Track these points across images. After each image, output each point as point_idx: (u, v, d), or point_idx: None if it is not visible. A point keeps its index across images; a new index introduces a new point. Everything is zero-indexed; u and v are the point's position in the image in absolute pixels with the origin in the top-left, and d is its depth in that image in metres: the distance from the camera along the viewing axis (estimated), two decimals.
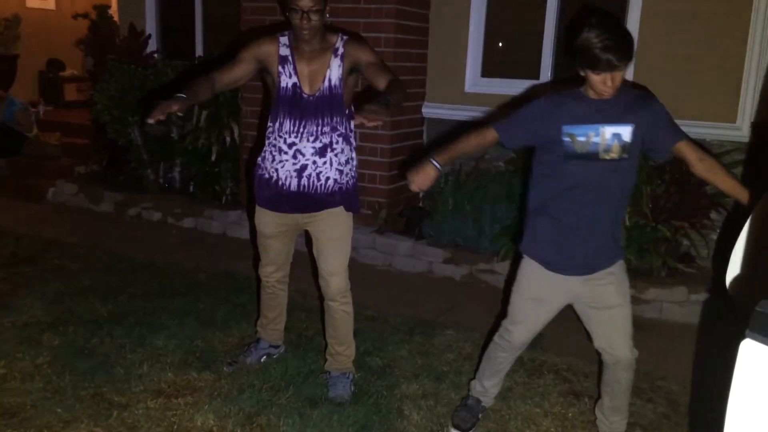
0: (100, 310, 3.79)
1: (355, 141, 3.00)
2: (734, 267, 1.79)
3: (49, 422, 2.72)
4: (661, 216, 4.28)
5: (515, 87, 5.19)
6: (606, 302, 2.51)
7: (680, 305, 4.17)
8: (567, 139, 2.37)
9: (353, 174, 2.98)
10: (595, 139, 2.36)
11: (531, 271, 2.56)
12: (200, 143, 5.69)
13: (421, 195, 5.42)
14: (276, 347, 3.32)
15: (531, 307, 2.59)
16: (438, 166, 2.49)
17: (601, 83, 2.28)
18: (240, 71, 2.80)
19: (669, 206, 4.28)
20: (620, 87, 2.32)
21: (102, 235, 5.39)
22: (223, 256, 4.96)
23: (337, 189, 2.89)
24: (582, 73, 2.33)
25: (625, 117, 2.36)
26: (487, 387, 2.80)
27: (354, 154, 2.98)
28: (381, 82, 2.70)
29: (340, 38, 2.80)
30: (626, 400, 2.68)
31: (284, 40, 2.82)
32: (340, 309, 3.00)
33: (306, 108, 2.80)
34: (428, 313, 4.01)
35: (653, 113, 2.39)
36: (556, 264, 2.51)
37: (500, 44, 5.35)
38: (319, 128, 2.81)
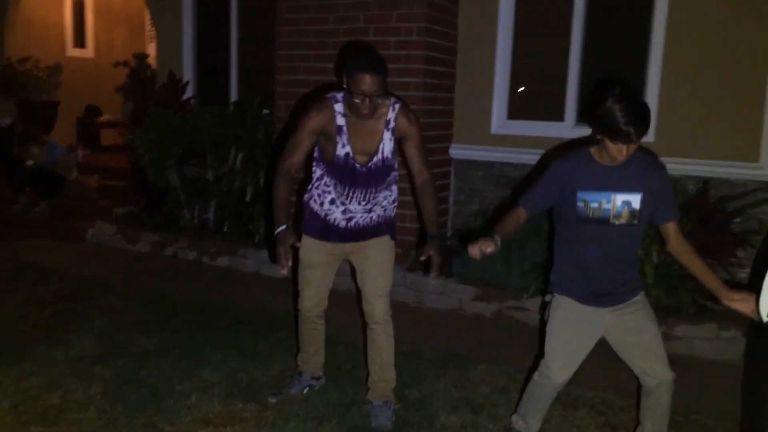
0: (146, 344, 3.95)
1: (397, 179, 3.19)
2: None
3: None
4: None
5: (541, 129, 5.37)
6: (638, 327, 2.67)
7: (710, 342, 4.22)
8: (581, 204, 2.57)
9: (395, 206, 3.19)
10: (606, 206, 2.55)
11: (563, 306, 2.69)
12: (236, 184, 5.89)
13: (449, 233, 5.56)
14: (317, 379, 3.44)
15: (565, 340, 2.71)
16: (498, 240, 2.59)
17: (617, 152, 2.46)
18: (304, 151, 2.94)
19: (696, 244, 4.36)
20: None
21: (141, 274, 5.58)
22: (259, 293, 5.11)
23: (383, 221, 3.13)
24: (598, 137, 2.51)
25: (636, 186, 2.55)
26: (530, 423, 2.92)
27: (396, 193, 3.17)
28: (416, 171, 2.99)
29: (392, 109, 2.92)
30: (666, 425, 2.77)
31: (339, 108, 2.90)
32: (384, 332, 3.14)
33: (358, 177, 2.97)
34: (461, 349, 4.10)
35: (659, 184, 2.58)
36: (585, 297, 2.67)
37: (526, 87, 5.53)
38: (370, 194, 3.02)
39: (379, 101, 2.81)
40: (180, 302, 4.75)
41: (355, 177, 2.96)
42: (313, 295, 3.24)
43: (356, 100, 2.77)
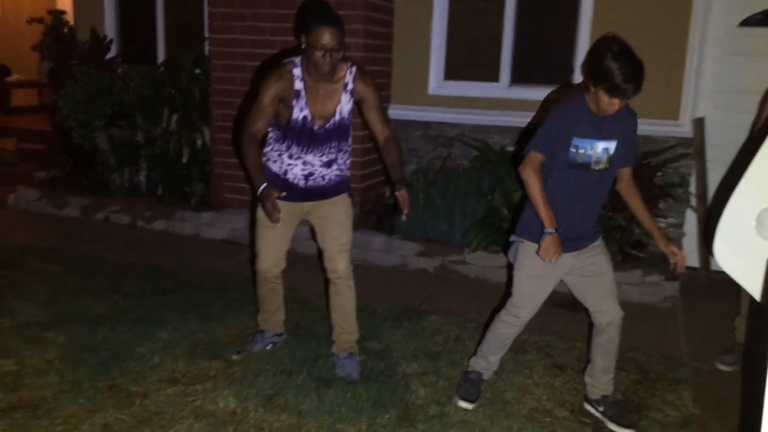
0: (97, 309, 3.88)
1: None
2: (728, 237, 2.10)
3: (75, 412, 2.83)
4: (617, 206, 4.67)
5: (477, 89, 5.55)
6: (598, 269, 2.90)
7: (637, 286, 4.57)
8: (573, 150, 2.73)
9: (349, 164, 3.28)
10: (590, 152, 2.73)
11: (532, 253, 2.85)
12: (171, 146, 5.77)
13: (388, 192, 5.68)
14: (279, 335, 3.51)
15: (535, 284, 2.91)
16: (554, 231, 2.72)
17: (609, 106, 2.62)
18: (268, 117, 2.99)
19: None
20: None
21: (74, 239, 5.40)
22: (202, 255, 5.08)
23: (340, 179, 3.22)
24: (591, 88, 2.66)
25: (614, 133, 2.74)
26: (491, 362, 3.12)
27: (350, 153, 3.26)
28: (377, 131, 3.08)
29: (349, 72, 2.99)
30: (614, 361, 3.02)
31: (297, 72, 2.95)
32: (347, 286, 3.23)
33: (315, 137, 3.04)
34: (410, 302, 4.26)
35: (632, 131, 2.81)
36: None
37: (462, 49, 5.66)
38: (326, 150, 3.10)
39: (339, 57, 2.85)
40: (123, 267, 4.66)
41: (312, 138, 3.03)
42: (272, 256, 3.27)
43: (317, 55, 2.80)
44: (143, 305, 3.95)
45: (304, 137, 3.02)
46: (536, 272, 2.88)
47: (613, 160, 2.77)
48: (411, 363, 3.39)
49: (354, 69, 3.01)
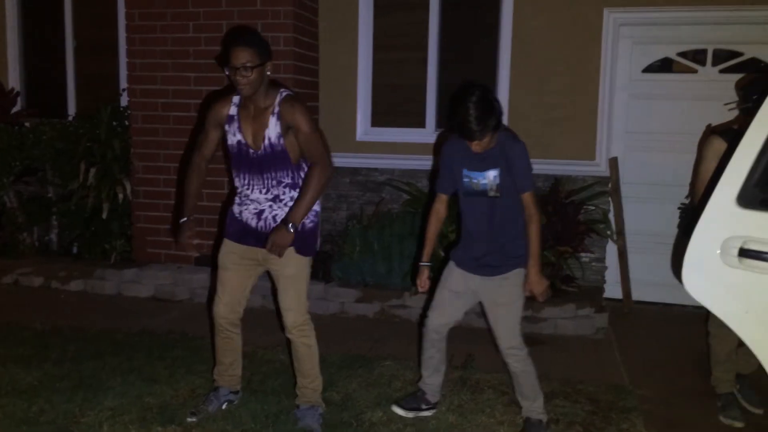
0: (27, 379, 3.59)
1: None
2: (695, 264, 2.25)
3: None
4: (546, 243, 4.87)
5: (404, 135, 5.68)
6: (496, 300, 3.12)
7: (571, 320, 4.75)
8: (466, 179, 3.07)
9: (309, 218, 3.12)
10: (483, 181, 3.03)
11: (449, 268, 3.24)
12: (89, 201, 5.49)
13: (319, 240, 5.65)
14: (235, 393, 3.37)
15: (445, 295, 3.22)
16: (426, 264, 3.25)
17: (471, 146, 2.95)
18: (211, 142, 3.16)
19: (554, 233, 4.90)
20: (493, 137, 2.93)
21: None
22: (130, 315, 4.82)
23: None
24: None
25: (498, 162, 3.00)
26: (425, 377, 3.37)
27: None
28: (308, 156, 3.01)
29: (279, 96, 3.00)
30: (529, 389, 3.19)
31: (236, 99, 3.06)
32: (299, 341, 3.17)
33: (252, 163, 3.03)
34: (359, 349, 4.23)
35: (512, 157, 2.99)
36: (460, 261, 3.20)
37: (388, 96, 5.79)
38: (267, 181, 3.05)
39: (254, 77, 2.86)
40: (46, 332, 4.35)
41: (250, 165, 3.03)
42: (226, 299, 3.17)
43: (233, 75, 2.87)
44: (79, 371, 3.69)
45: (244, 165, 3.05)
46: (447, 285, 3.23)
47: (502, 186, 3.00)
48: (375, 411, 3.34)
49: (284, 93, 3.01)
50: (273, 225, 3.05)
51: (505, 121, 5.36)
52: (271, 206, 3.07)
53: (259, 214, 3.08)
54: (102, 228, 5.63)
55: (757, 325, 2.16)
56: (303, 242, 3.13)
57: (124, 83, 5.80)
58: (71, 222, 5.76)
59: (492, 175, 2.99)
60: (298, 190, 3.07)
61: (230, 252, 3.16)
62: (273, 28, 5.10)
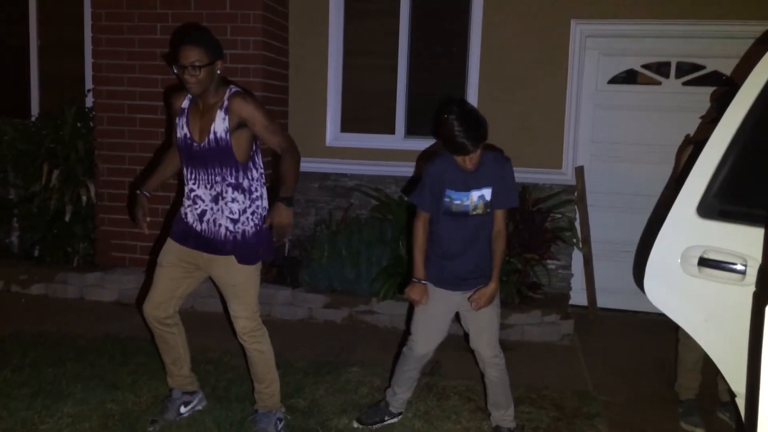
0: None
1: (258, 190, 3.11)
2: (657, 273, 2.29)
3: None
4: (513, 251, 4.92)
5: (373, 141, 5.69)
6: (482, 312, 3.08)
7: (537, 326, 4.80)
8: (447, 200, 3.01)
9: (251, 224, 3.05)
10: (466, 203, 3.01)
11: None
12: (52, 203, 5.38)
13: (287, 245, 5.62)
14: (190, 394, 3.31)
15: (429, 321, 3.15)
16: (418, 281, 3.09)
17: (462, 162, 2.92)
18: (174, 133, 3.10)
19: (521, 241, 4.95)
20: (482, 155, 2.94)
21: None
22: (93, 320, 4.74)
23: (231, 238, 3.02)
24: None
25: (487, 181, 2.99)
26: (397, 393, 3.32)
27: (252, 205, 3.06)
28: (275, 145, 2.95)
29: (228, 92, 2.98)
30: (503, 397, 3.19)
31: (191, 95, 3.03)
32: (250, 348, 3.12)
33: (196, 156, 3.00)
34: (327, 355, 4.21)
35: (503, 176, 3.03)
36: (440, 281, 3.11)
37: (357, 102, 5.79)
38: (211, 177, 3.01)
39: (202, 76, 2.84)
40: (5, 337, 4.24)
41: (194, 158, 3.01)
42: (154, 298, 3.10)
43: (181, 73, 2.86)
44: (39, 377, 3.60)
45: (189, 158, 3.03)
46: (428, 309, 3.13)
47: (491, 204, 3.02)
48: (341, 418, 3.33)
49: (233, 90, 2.99)
50: (214, 229, 3.03)
51: None
52: (212, 208, 3.02)
53: (202, 215, 3.04)
54: (65, 231, 5.53)
55: (716, 333, 2.21)
56: (245, 251, 3.05)
57: (89, 84, 5.72)
58: (33, 224, 5.62)
59: (477, 195, 2.98)
60: (242, 192, 3.01)
61: (169, 251, 3.12)
62: (242, 31, 5.07)
